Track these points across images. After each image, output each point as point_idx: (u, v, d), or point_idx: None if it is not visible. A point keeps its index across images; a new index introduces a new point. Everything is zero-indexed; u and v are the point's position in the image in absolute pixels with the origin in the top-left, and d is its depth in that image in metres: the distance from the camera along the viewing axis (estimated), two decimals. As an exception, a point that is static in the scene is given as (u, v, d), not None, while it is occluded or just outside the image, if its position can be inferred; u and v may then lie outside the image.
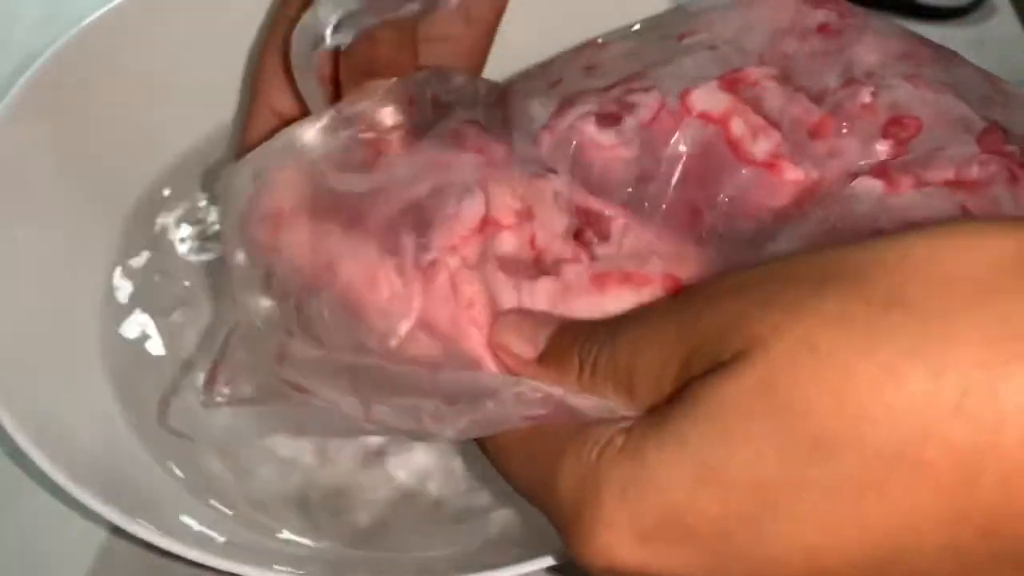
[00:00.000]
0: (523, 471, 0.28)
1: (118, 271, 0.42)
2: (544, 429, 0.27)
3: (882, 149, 0.32)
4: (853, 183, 0.31)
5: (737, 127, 0.32)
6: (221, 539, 0.35)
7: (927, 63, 0.34)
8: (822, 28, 0.35)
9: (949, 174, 0.31)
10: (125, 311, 0.42)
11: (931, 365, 0.21)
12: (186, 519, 0.36)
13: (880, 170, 0.31)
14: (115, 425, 0.38)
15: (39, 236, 0.40)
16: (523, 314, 0.29)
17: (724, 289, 0.24)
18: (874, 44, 0.35)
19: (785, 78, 0.34)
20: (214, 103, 0.45)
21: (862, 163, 0.31)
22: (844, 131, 0.32)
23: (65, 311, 0.40)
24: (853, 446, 0.21)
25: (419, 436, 0.32)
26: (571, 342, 0.27)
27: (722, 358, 0.23)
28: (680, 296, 0.26)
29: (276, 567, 0.33)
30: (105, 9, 0.42)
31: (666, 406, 0.24)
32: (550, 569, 0.33)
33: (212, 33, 0.44)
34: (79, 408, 0.38)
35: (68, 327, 0.40)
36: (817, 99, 0.33)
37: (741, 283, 0.24)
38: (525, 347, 0.28)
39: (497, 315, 0.29)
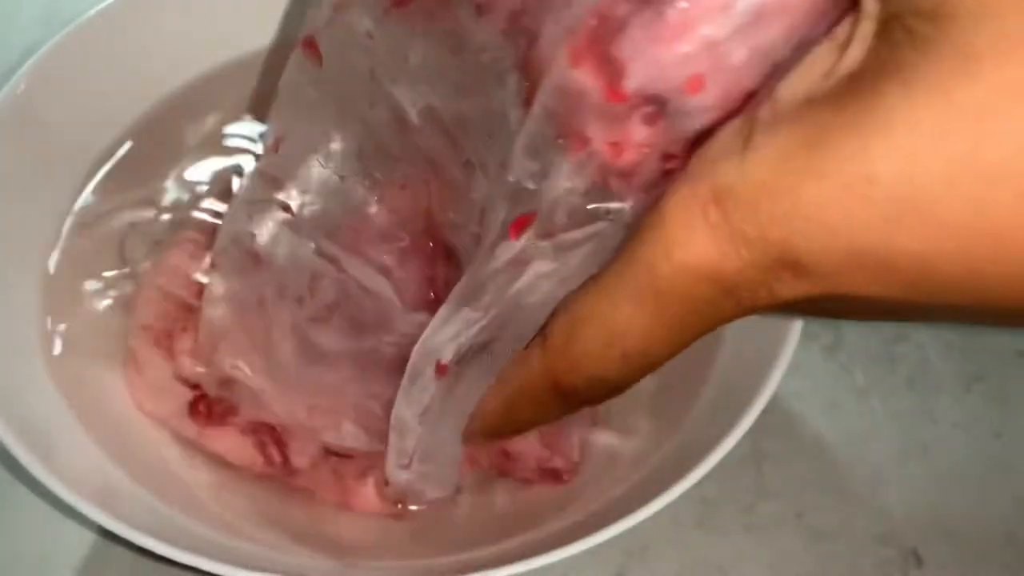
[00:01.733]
0: None
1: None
2: None
3: None
4: None
5: None
6: (213, 542, 0.35)
7: None
8: None
9: None
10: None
11: None
12: (174, 521, 0.36)
13: None
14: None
15: (40, 228, 0.40)
16: None
17: None
18: None
19: None
20: (208, 102, 0.45)
21: None
22: None
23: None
24: None
25: None
26: None
27: None
28: None
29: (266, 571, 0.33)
30: (101, 6, 0.42)
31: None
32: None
33: (207, 32, 0.44)
34: (66, 411, 0.37)
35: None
36: None
37: None
38: None
39: None
